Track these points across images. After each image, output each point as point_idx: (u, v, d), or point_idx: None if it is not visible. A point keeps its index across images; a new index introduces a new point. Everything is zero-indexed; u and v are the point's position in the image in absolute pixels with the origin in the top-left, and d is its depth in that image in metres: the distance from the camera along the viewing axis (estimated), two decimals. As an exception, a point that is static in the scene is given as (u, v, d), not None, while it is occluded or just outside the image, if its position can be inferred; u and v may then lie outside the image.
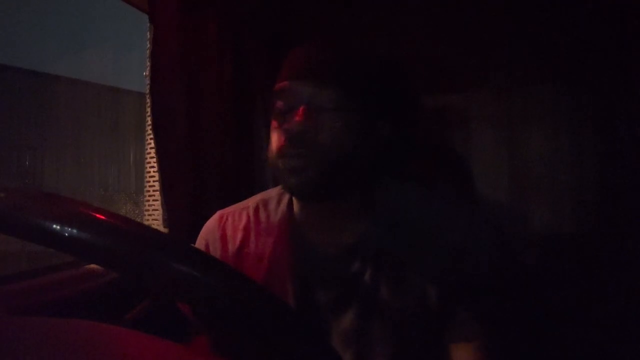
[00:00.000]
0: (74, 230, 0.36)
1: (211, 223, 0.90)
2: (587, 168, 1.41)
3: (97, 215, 0.38)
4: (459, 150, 1.55)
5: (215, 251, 0.86)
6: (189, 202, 1.23)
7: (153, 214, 1.47)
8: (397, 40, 1.45)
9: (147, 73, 1.16)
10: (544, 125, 1.46)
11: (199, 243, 0.90)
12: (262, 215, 0.86)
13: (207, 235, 0.89)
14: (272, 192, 0.90)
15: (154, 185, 1.47)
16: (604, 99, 1.38)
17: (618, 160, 1.37)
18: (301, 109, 0.72)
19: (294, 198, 0.84)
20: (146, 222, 1.43)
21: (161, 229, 1.22)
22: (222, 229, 0.87)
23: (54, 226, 0.36)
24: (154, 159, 1.29)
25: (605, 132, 1.39)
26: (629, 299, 1.26)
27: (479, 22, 1.44)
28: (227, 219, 0.88)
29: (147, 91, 1.15)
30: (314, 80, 0.73)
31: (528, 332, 1.15)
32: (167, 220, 1.18)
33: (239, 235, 0.85)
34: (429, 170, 1.43)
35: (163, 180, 1.17)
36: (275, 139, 0.76)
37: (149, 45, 1.19)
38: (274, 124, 0.77)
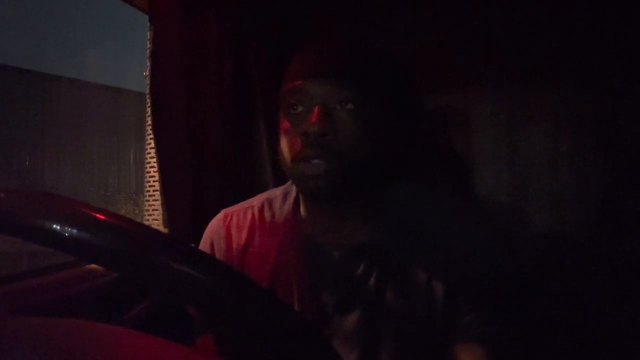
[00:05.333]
0: (74, 230, 0.36)
1: (215, 222, 0.89)
2: (588, 168, 1.41)
3: (98, 216, 0.38)
4: (460, 150, 1.55)
5: (220, 250, 0.85)
6: (189, 202, 1.23)
7: (153, 214, 1.47)
8: (397, 40, 1.45)
9: (147, 73, 1.16)
10: (545, 125, 1.46)
11: (204, 242, 0.89)
12: (267, 214, 0.85)
13: (212, 234, 0.88)
14: (277, 191, 0.88)
15: (154, 185, 1.47)
16: (604, 98, 1.38)
17: (619, 160, 1.37)
18: (317, 109, 0.69)
19: (300, 197, 0.83)
20: (146, 222, 1.43)
21: (161, 229, 1.22)
22: (227, 227, 0.86)
23: (54, 226, 0.36)
24: (154, 159, 1.29)
25: (606, 132, 1.39)
26: (631, 300, 1.26)
27: (479, 21, 1.44)
28: (231, 218, 0.87)
29: (147, 91, 1.15)
30: (330, 79, 0.70)
31: (532, 333, 1.15)
32: (167, 220, 1.18)
33: (244, 235, 0.84)
34: (430, 170, 1.43)
35: (163, 180, 1.17)
36: (289, 142, 0.73)
37: (149, 45, 1.19)
38: (286, 125, 0.73)
